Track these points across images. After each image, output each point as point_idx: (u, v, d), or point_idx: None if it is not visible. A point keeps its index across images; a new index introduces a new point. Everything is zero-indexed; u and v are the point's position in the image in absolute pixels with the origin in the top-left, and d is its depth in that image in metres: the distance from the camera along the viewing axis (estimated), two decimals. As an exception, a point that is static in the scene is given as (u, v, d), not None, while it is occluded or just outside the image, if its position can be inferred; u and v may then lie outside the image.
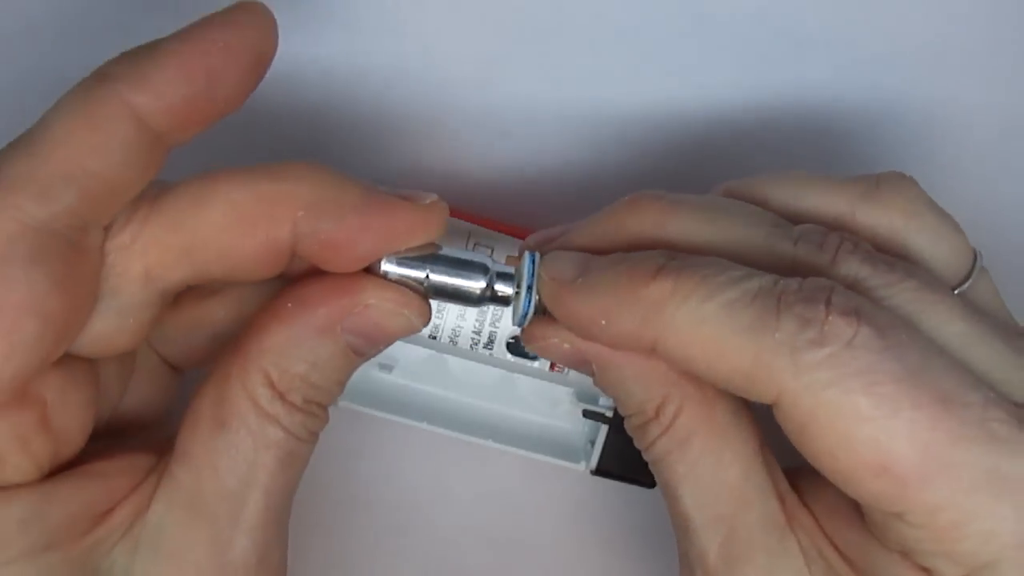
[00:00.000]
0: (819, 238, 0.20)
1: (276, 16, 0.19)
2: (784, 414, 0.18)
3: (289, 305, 0.20)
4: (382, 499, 0.29)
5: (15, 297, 0.17)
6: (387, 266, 0.20)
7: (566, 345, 0.21)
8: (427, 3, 0.27)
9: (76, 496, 0.19)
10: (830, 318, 0.17)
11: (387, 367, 0.28)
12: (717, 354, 0.18)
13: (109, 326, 0.19)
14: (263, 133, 0.28)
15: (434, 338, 0.26)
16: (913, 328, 0.18)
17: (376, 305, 0.20)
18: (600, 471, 0.27)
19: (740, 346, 0.18)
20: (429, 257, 0.20)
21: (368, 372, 0.28)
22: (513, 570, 0.29)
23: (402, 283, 0.20)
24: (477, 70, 0.28)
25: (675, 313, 0.18)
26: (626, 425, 0.22)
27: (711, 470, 0.20)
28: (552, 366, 0.26)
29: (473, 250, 0.26)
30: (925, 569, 0.18)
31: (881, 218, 0.21)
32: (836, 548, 0.20)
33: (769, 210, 0.21)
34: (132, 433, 0.23)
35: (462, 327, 0.26)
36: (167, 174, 0.19)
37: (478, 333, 0.26)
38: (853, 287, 0.19)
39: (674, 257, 0.19)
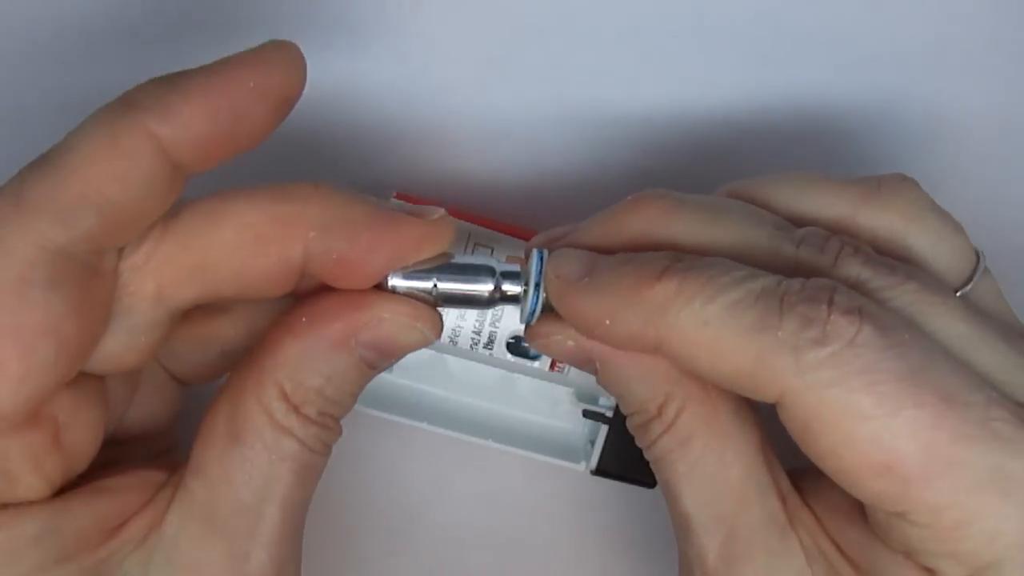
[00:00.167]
0: (821, 241, 0.20)
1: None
2: (787, 413, 0.18)
3: (304, 320, 0.20)
4: (382, 499, 0.29)
5: (33, 320, 0.17)
6: (394, 280, 0.20)
7: (570, 343, 0.21)
8: (428, 3, 0.27)
9: (88, 511, 0.19)
10: (832, 317, 0.17)
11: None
12: (720, 354, 0.18)
13: (120, 345, 0.19)
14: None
15: (434, 338, 0.26)
16: (916, 328, 0.18)
17: (390, 319, 0.20)
18: (600, 471, 0.27)
19: (743, 346, 0.18)
20: (434, 267, 0.21)
21: (368, 372, 0.28)
22: (513, 570, 0.29)
23: (410, 295, 0.21)
24: (477, 70, 0.28)
25: (679, 314, 0.18)
26: (628, 423, 0.22)
27: (712, 469, 0.20)
28: (552, 366, 0.26)
29: (473, 251, 0.26)
30: (928, 569, 0.18)
31: (882, 220, 0.21)
32: (838, 548, 0.20)
33: (771, 212, 0.21)
34: (136, 445, 0.23)
35: (462, 327, 0.26)
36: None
37: (478, 333, 0.26)
38: (855, 289, 0.19)
39: (680, 259, 0.19)
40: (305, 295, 0.21)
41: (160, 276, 0.19)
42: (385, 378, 0.28)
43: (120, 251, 0.19)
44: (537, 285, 0.21)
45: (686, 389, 0.20)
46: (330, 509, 0.29)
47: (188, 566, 0.19)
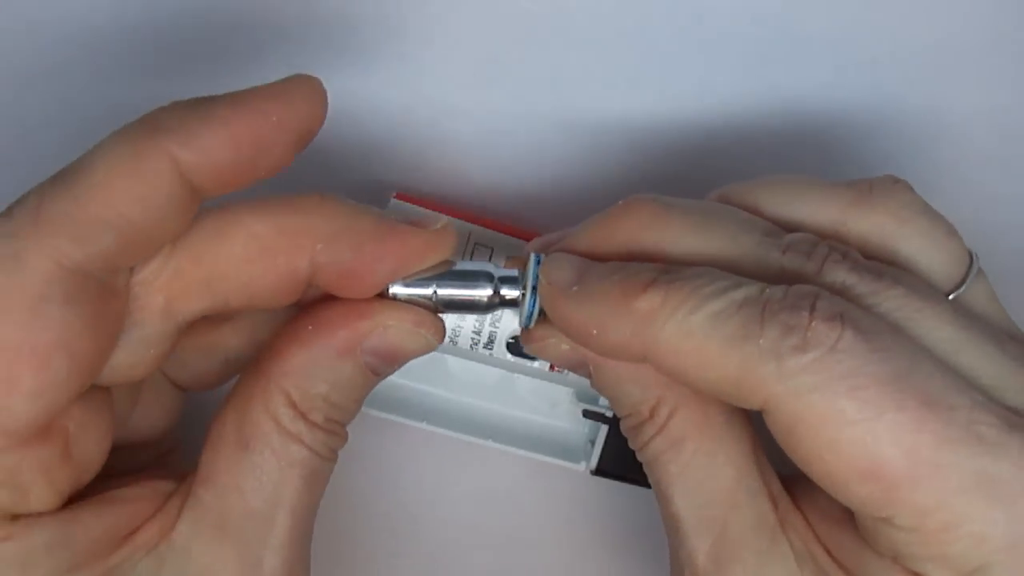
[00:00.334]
0: (808, 247, 0.20)
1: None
2: (772, 419, 0.18)
3: (309, 328, 0.20)
4: (382, 499, 0.29)
5: (49, 337, 0.17)
6: (395, 288, 0.21)
7: (564, 346, 0.21)
8: (428, 4, 0.27)
9: (99, 520, 0.19)
10: (813, 324, 0.17)
11: (387, 367, 0.28)
12: (705, 364, 0.18)
13: (130, 357, 0.20)
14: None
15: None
16: (900, 332, 0.18)
17: (395, 327, 0.21)
18: (600, 471, 0.27)
19: (726, 355, 0.18)
20: (434, 274, 0.21)
21: (368, 372, 0.28)
22: (513, 570, 0.29)
23: (411, 302, 0.21)
24: (477, 70, 0.28)
25: (664, 325, 0.18)
26: (621, 426, 0.22)
27: (704, 471, 0.20)
28: (552, 366, 0.26)
29: (472, 251, 0.26)
30: (916, 574, 0.18)
31: (873, 224, 0.21)
32: (828, 552, 0.20)
33: (762, 217, 0.21)
34: (137, 450, 0.23)
35: (462, 327, 0.26)
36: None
37: (478, 333, 0.26)
38: (840, 295, 0.19)
39: (666, 271, 0.19)
40: (309, 303, 0.21)
41: (170, 290, 0.19)
42: (385, 378, 0.28)
43: (132, 267, 0.19)
44: (534, 289, 0.21)
45: (678, 392, 0.20)
46: (330, 509, 0.29)
47: (200, 572, 0.20)
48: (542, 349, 0.22)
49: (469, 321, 0.26)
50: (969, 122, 0.29)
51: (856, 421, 0.17)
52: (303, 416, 0.20)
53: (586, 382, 0.23)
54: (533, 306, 0.21)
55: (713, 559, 0.20)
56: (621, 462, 0.27)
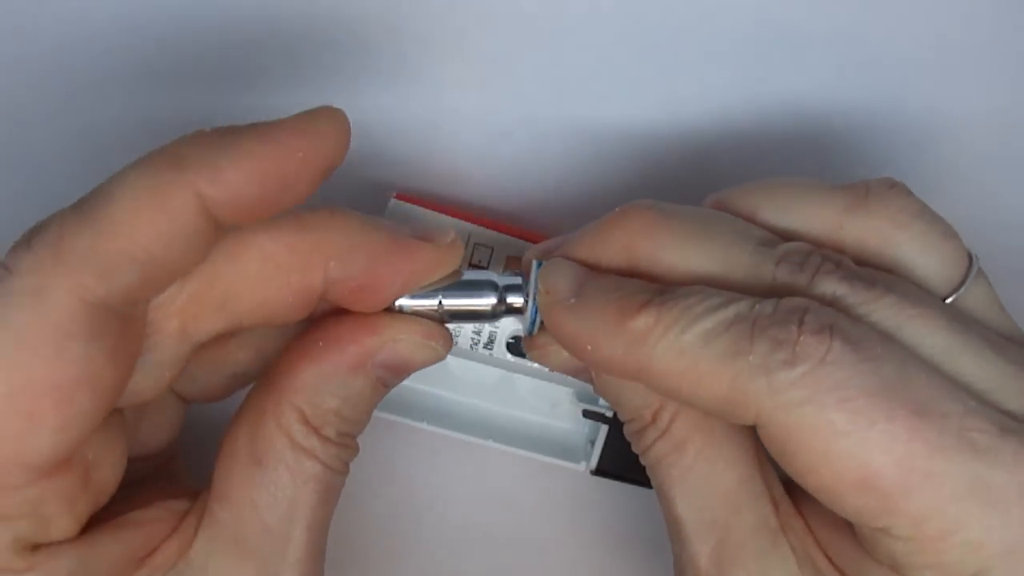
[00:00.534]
0: (801, 258, 0.20)
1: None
2: (765, 434, 0.18)
3: (320, 344, 0.21)
4: (382, 499, 0.29)
5: (72, 373, 0.17)
6: (402, 300, 0.21)
7: (566, 353, 0.21)
8: (428, 4, 0.27)
9: (117, 545, 0.20)
10: (802, 338, 0.17)
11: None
12: (697, 382, 0.18)
13: (146, 381, 0.20)
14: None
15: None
16: (890, 341, 0.18)
17: (405, 340, 0.21)
18: (600, 471, 0.27)
19: (717, 372, 0.18)
20: (439, 286, 0.21)
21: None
22: (513, 570, 0.29)
23: (418, 313, 0.21)
24: (477, 70, 0.28)
25: (656, 345, 0.18)
26: (624, 430, 0.22)
27: (705, 475, 0.21)
28: (552, 366, 0.26)
29: (473, 251, 0.26)
30: None
31: (870, 228, 0.21)
32: (828, 558, 0.20)
33: (758, 223, 0.21)
34: (139, 462, 0.23)
35: (462, 327, 0.26)
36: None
37: (478, 333, 0.26)
38: (832, 305, 0.19)
39: (662, 291, 0.19)
40: (319, 318, 0.21)
41: (185, 314, 0.19)
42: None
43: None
44: (536, 296, 0.21)
45: None
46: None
47: None
48: (544, 356, 0.22)
49: (469, 323, 0.26)
50: (969, 122, 0.29)
51: (847, 433, 0.17)
52: (316, 431, 0.20)
53: (586, 383, 0.24)
54: (535, 314, 0.21)
55: (715, 562, 0.20)
56: (621, 462, 0.27)
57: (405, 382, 0.28)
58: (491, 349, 0.26)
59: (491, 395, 0.28)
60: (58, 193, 0.18)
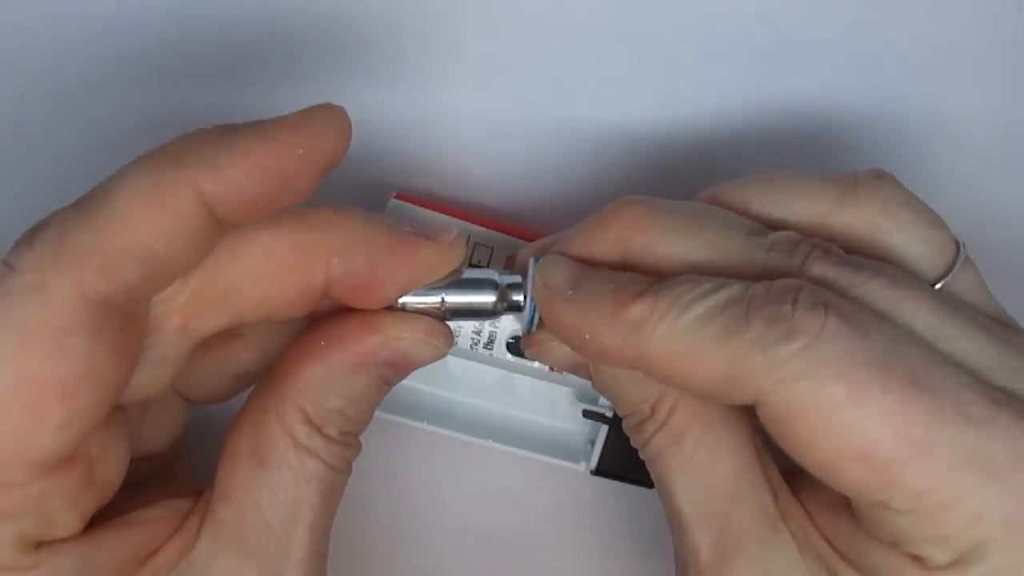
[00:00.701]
0: (790, 246, 0.20)
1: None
2: (764, 412, 0.18)
3: (322, 343, 0.21)
4: (382, 499, 0.29)
5: (75, 369, 0.17)
6: (404, 298, 0.21)
7: (565, 348, 0.22)
8: (428, 5, 0.27)
9: (121, 544, 0.20)
10: (797, 314, 0.18)
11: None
12: (695, 364, 0.18)
13: (148, 378, 0.20)
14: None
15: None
16: (882, 318, 0.18)
17: (407, 338, 0.21)
18: (600, 471, 0.27)
19: (714, 353, 0.18)
20: (440, 284, 0.21)
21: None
22: (513, 570, 0.29)
23: (419, 311, 0.21)
24: (477, 70, 0.28)
25: (653, 331, 0.19)
26: (623, 425, 0.22)
27: (705, 466, 0.21)
28: (552, 366, 0.26)
29: (473, 251, 0.26)
30: (916, 557, 0.18)
31: (858, 218, 0.21)
32: (828, 541, 0.20)
33: (749, 216, 0.21)
34: (143, 462, 0.23)
35: (462, 327, 0.26)
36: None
37: (478, 333, 0.26)
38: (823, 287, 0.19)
39: (656, 282, 0.19)
40: (321, 316, 0.21)
41: (187, 310, 0.19)
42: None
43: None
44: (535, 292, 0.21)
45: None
46: (330, 509, 0.29)
47: None
48: (543, 352, 0.22)
49: (469, 321, 0.26)
50: (968, 122, 0.29)
51: (846, 405, 0.17)
52: (319, 431, 0.20)
53: (586, 382, 0.24)
54: (534, 311, 0.22)
55: (716, 553, 0.20)
56: (621, 462, 0.27)
57: (405, 382, 0.28)
58: (491, 349, 0.26)
59: (491, 395, 0.28)
60: (59, 191, 0.19)
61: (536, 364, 0.26)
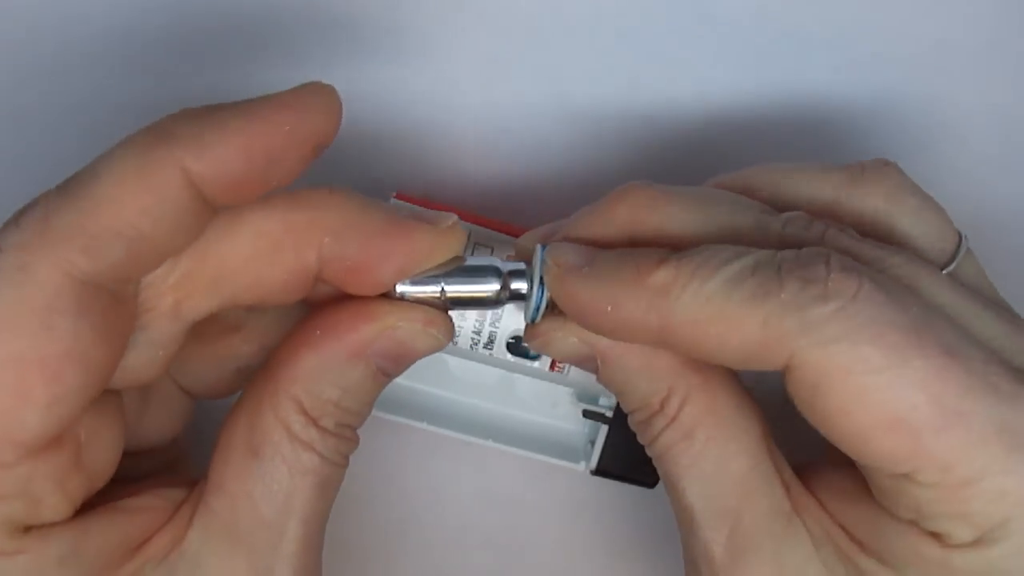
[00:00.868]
0: (805, 222, 0.20)
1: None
2: (796, 377, 0.18)
3: (318, 333, 0.20)
4: (382, 499, 0.29)
5: (60, 348, 0.17)
6: (402, 287, 0.20)
7: (572, 339, 0.21)
8: (428, 3, 0.27)
9: (111, 531, 0.19)
10: (832, 275, 0.17)
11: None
12: (726, 328, 0.18)
13: (140, 360, 0.19)
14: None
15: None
16: (909, 288, 0.18)
17: (404, 327, 0.20)
18: (600, 471, 0.27)
19: (747, 314, 0.18)
20: (441, 272, 0.21)
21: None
22: (513, 570, 0.29)
23: (419, 301, 0.21)
24: (477, 70, 0.28)
25: (680, 296, 0.18)
26: (630, 421, 0.22)
27: (716, 461, 0.20)
28: (552, 366, 0.26)
29: (473, 251, 0.26)
30: (936, 535, 0.18)
31: (866, 204, 0.21)
32: (844, 529, 0.20)
33: (756, 200, 0.21)
34: (146, 456, 0.23)
35: (462, 327, 0.26)
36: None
37: (478, 333, 0.26)
38: None
39: (676, 251, 0.19)
40: (318, 304, 0.21)
41: (178, 291, 0.19)
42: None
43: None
44: (542, 280, 0.21)
45: (688, 380, 0.20)
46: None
47: None
48: (547, 344, 0.22)
49: (469, 321, 0.26)
50: (969, 119, 0.29)
51: (881, 369, 0.17)
52: (314, 423, 0.20)
53: (586, 382, 0.23)
54: (540, 299, 0.21)
55: (729, 550, 0.20)
56: (621, 462, 0.27)
57: (404, 381, 0.28)
58: (491, 349, 0.26)
59: (491, 395, 0.28)
60: (51, 176, 0.18)
61: (536, 364, 0.26)
